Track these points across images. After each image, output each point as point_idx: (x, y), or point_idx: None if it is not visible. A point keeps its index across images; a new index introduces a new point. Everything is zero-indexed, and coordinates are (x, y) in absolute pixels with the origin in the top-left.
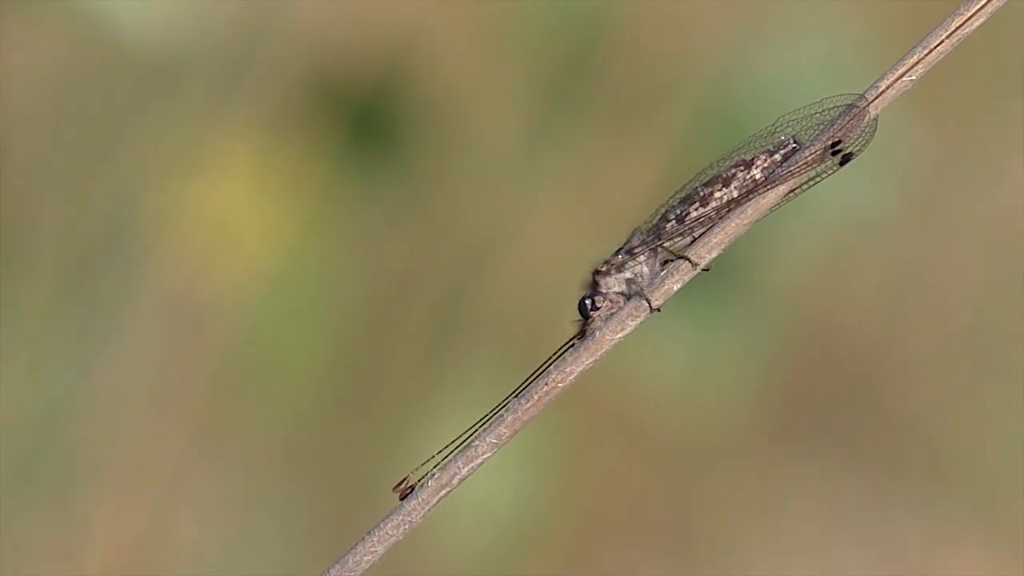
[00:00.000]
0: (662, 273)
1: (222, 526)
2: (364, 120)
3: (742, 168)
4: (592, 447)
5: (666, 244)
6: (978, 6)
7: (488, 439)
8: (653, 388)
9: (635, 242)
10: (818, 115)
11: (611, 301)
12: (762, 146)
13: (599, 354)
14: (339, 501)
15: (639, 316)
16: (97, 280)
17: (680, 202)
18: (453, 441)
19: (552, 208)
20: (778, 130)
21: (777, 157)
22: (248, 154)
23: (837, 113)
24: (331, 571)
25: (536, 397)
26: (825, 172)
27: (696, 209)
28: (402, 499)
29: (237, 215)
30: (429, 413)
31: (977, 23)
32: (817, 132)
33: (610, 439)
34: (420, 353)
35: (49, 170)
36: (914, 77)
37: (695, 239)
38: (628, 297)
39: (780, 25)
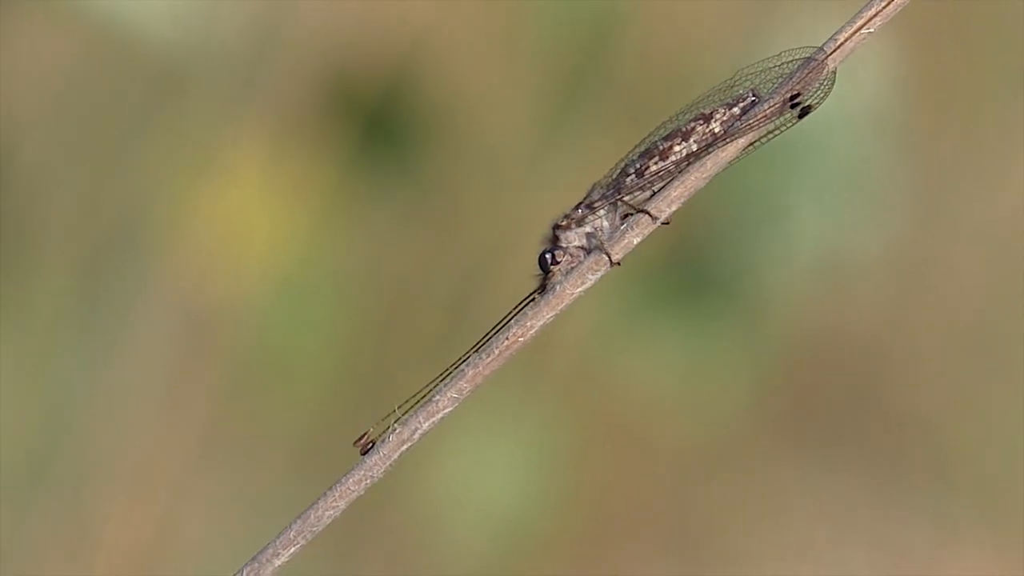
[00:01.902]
0: (622, 227)
1: (230, 528)
2: (374, 122)
3: (701, 122)
4: (597, 451)
5: (626, 198)
6: None
7: (449, 394)
8: (657, 392)
9: (595, 196)
10: (777, 68)
11: (571, 255)
12: (721, 99)
13: (560, 308)
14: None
15: (599, 270)
16: (107, 282)
17: (639, 156)
18: (414, 396)
19: (561, 208)
20: (737, 84)
21: (736, 110)
22: (258, 157)
23: (796, 66)
24: (292, 526)
25: (497, 352)
26: (784, 125)
27: (656, 163)
28: (363, 454)
29: (247, 217)
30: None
31: None
32: (776, 85)
33: (615, 443)
34: (429, 355)
35: (59, 172)
36: (872, 30)
37: (655, 193)
38: (588, 251)
39: (787, 25)
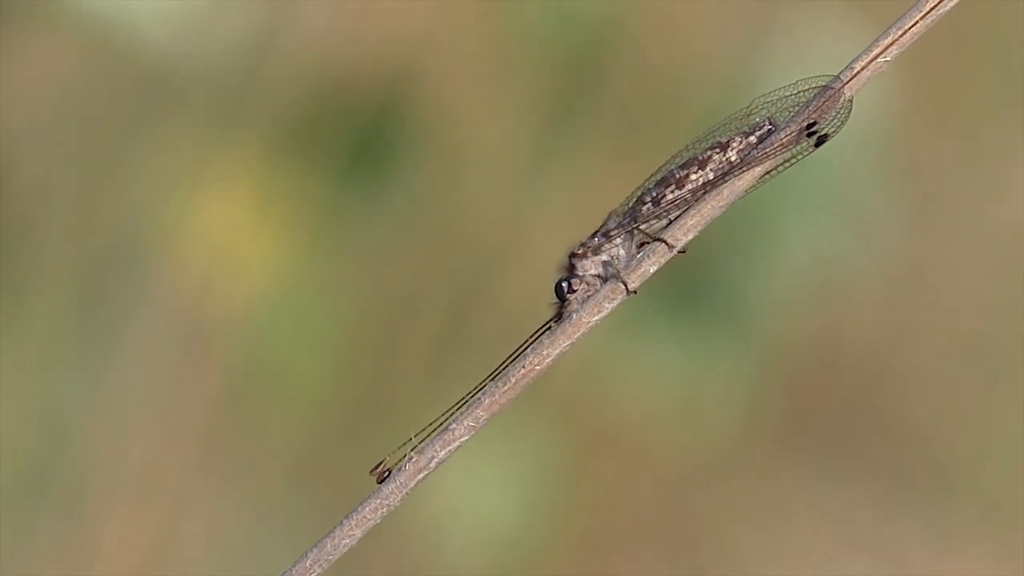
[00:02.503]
0: (638, 255)
1: (228, 540)
2: (367, 136)
3: (718, 150)
4: (595, 464)
5: (642, 227)
6: None
7: (466, 422)
8: (654, 403)
9: (611, 225)
10: (793, 97)
11: (588, 284)
12: (737, 128)
13: (576, 336)
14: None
15: (616, 298)
16: (105, 293)
17: (656, 184)
18: (431, 424)
19: (556, 223)
20: (753, 112)
21: (752, 139)
22: (252, 171)
23: (812, 94)
24: (309, 555)
25: (513, 380)
26: (800, 154)
27: (672, 191)
28: (380, 482)
29: (242, 232)
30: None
31: (951, 4)
32: (792, 114)
33: (613, 455)
34: (425, 369)
35: (57, 182)
36: (888, 58)
37: (671, 221)
38: (605, 279)
39: (784, 36)
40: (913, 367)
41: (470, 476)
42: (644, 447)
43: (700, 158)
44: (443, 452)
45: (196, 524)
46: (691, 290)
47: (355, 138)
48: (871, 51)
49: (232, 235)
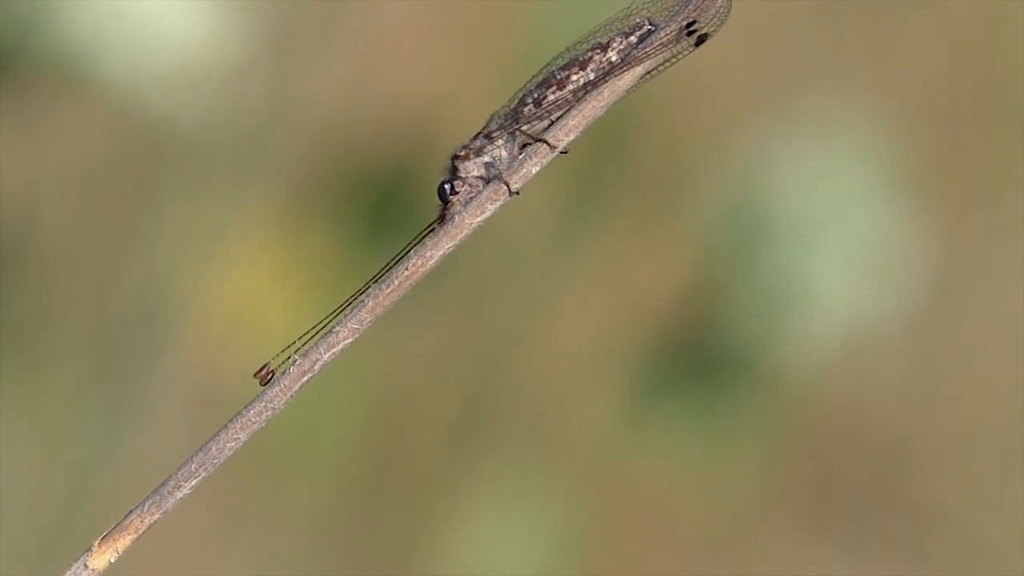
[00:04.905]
0: (520, 157)
1: None
2: (388, 199)
3: (598, 51)
4: (614, 532)
5: (524, 128)
6: None
7: (349, 324)
8: (675, 472)
9: (493, 126)
10: None
11: (470, 185)
12: (618, 29)
13: (459, 238)
14: None
15: (498, 199)
16: (124, 360)
17: (537, 86)
18: (314, 327)
19: (577, 295)
20: (633, 13)
21: (633, 39)
22: (273, 235)
23: None
24: (193, 459)
25: (397, 282)
26: (681, 53)
27: (553, 92)
28: (264, 385)
29: (263, 296)
30: (456, 500)
31: None
32: (672, 13)
33: (632, 524)
34: (446, 440)
35: (76, 250)
36: None
37: (553, 122)
38: (487, 181)
39: (809, 115)
40: (937, 443)
41: (490, 542)
42: (665, 517)
43: (581, 59)
44: (327, 355)
45: None
46: (713, 359)
47: (376, 201)
48: None
49: (252, 299)
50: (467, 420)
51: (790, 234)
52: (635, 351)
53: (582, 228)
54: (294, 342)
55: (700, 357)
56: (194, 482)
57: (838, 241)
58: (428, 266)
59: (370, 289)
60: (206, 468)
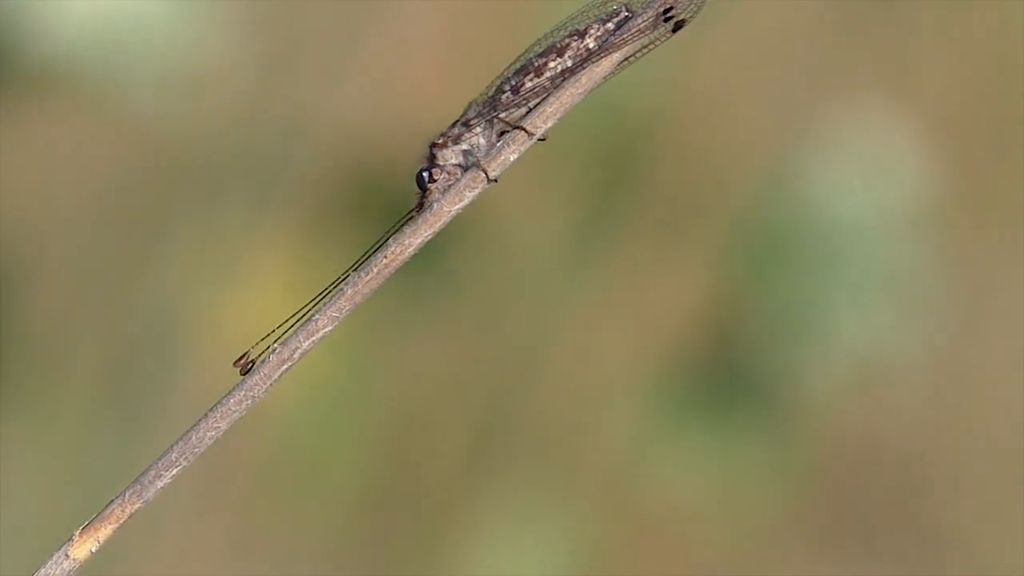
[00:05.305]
0: (498, 144)
1: None
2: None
3: (576, 37)
4: (629, 555)
5: (502, 115)
6: None
7: (329, 313)
8: (691, 498)
9: (471, 114)
10: None
11: (448, 173)
12: (595, 15)
13: (437, 226)
14: None
15: (476, 187)
16: (136, 384)
17: (515, 73)
18: (293, 316)
19: (594, 317)
20: None
21: (610, 26)
22: (286, 258)
23: None
24: (174, 448)
25: (375, 270)
26: (658, 40)
27: (531, 79)
28: (243, 374)
29: (274, 321)
30: (469, 519)
31: None
32: (649, 0)
33: (648, 548)
34: (462, 461)
35: (88, 273)
36: None
37: (531, 109)
38: (465, 168)
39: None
40: (955, 468)
41: (505, 563)
42: (681, 540)
43: (558, 46)
44: (306, 343)
45: None
46: (729, 381)
47: (391, 220)
48: None
49: (263, 325)
50: (483, 440)
51: (810, 257)
52: (652, 373)
53: (600, 249)
54: (273, 331)
55: (716, 380)
56: (175, 471)
57: (855, 261)
58: (407, 254)
59: (349, 277)
60: (187, 457)
